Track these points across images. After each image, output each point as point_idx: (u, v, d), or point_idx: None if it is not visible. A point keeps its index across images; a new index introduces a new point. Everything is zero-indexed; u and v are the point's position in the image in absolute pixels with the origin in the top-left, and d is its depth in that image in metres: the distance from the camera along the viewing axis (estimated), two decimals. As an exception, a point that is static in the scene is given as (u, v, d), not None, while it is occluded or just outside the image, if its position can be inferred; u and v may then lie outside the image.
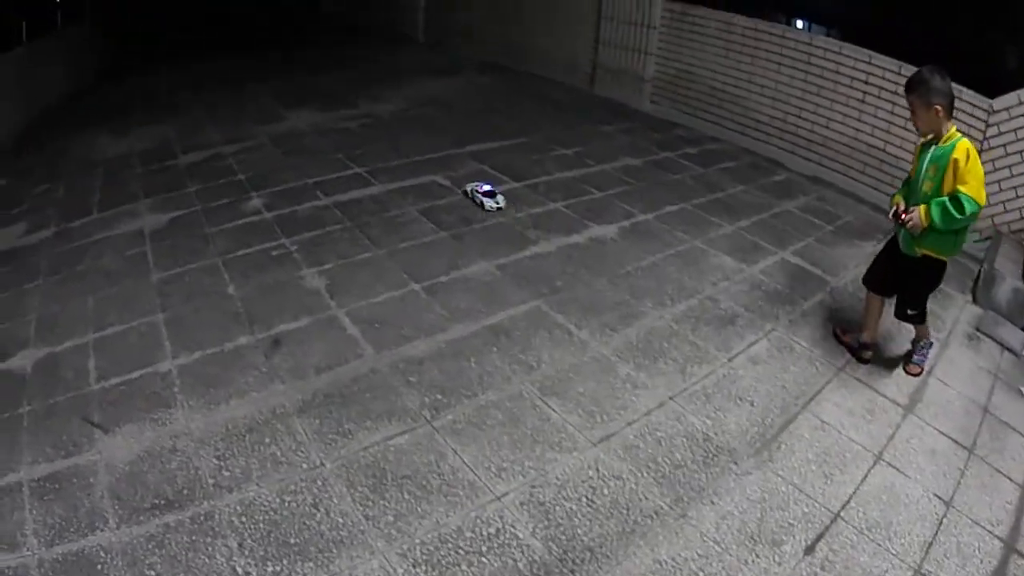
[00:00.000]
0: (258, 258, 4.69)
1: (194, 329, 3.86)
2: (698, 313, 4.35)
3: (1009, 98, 5.41)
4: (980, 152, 5.61)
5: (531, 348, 3.81)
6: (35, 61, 9.80)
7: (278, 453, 3.00)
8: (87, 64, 12.14)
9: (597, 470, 3.04)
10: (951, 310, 4.78)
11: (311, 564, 2.52)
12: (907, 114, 6.07)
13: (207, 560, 2.51)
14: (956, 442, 3.49)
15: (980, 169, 3.20)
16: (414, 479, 2.90)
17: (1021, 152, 5.46)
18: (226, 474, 2.88)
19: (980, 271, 5.08)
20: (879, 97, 6.29)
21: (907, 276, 3.70)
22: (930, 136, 3.42)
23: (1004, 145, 5.56)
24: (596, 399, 3.51)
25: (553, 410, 3.38)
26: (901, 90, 6.28)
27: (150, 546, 2.55)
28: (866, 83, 6.41)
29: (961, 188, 3.19)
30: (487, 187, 5.85)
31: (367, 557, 2.56)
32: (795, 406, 3.61)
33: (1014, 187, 5.56)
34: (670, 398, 3.59)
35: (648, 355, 3.92)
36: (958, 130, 3.35)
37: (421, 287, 4.34)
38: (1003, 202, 5.67)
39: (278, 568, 2.50)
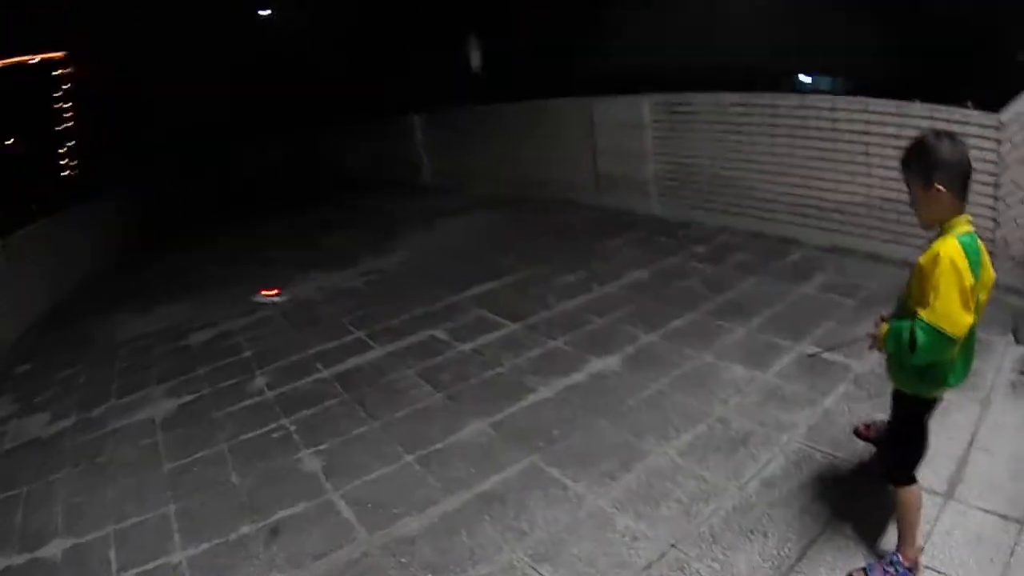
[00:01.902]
0: (260, 442, 5.02)
1: (201, 520, 4.20)
2: (706, 440, 4.31)
3: (1018, 108, 5.35)
4: (997, 175, 5.56)
5: (525, 511, 3.83)
6: (63, 237, 11.46)
7: None
8: (112, 242, 13.78)
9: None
10: (990, 359, 4.64)
11: None
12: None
13: None
14: (1004, 517, 3.32)
15: (957, 283, 2.49)
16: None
17: None
18: None
19: (1017, 308, 4.91)
20: (883, 145, 6.30)
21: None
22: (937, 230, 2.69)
23: (1022, 159, 5.49)
24: (591, 560, 3.45)
25: None
26: (903, 132, 6.36)
27: None
28: (866, 133, 6.46)
29: (920, 312, 2.57)
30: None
31: None
32: (815, 527, 3.49)
33: None
34: (672, 546, 3.51)
35: (649, 500, 3.86)
36: (969, 221, 2.66)
37: (415, 458, 4.49)
38: None
39: None
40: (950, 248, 2.53)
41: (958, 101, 5.85)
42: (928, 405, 2.95)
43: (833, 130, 6.64)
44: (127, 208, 16.18)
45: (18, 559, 4.23)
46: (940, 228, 2.66)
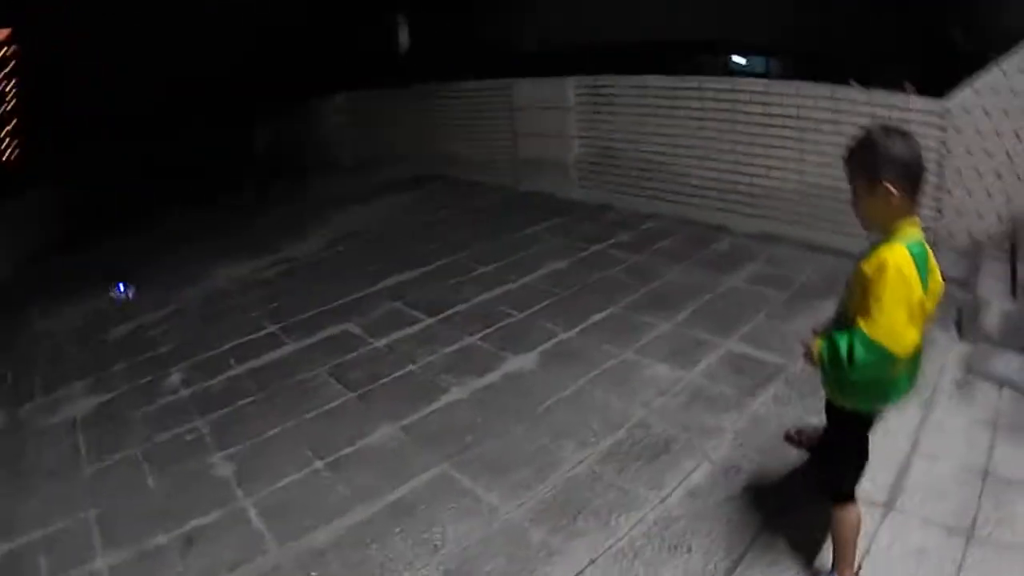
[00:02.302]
0: (174, 445, 4.88)
1: (120, 527, 4.09)
2: (626, 447, 4.10)
3: (963, 95, 5.25)
4: (940, 163, 5.54)
5: (436, 523, 3.66)
6: None
7: None
8: (36, 233, 13.68)
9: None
10: (934, 357, 4.49)
11: None
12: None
13: None
14: (950, 529, 3.19)
15: (903, 296, 2.27)
16: None
17: (985, 149, 5.33)
18: None
19: (961, 301, 4.77)
20: (817, 131, 6.19)
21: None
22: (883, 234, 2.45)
23: (966, 147, 5.47)
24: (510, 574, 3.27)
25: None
26: (839, 116, 6.21)
27: None
28: (798, 117, 6.33)
29: (860, 321, 2.34)
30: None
31: None
32: (744, 542, 3.31)
33: (985, 188, 5.43)
34: (591, 561, 3.32)
35: (567, 512, 3.66)
36: (916, 227, 2.44)
37: (324, 464, 4.33)
38: (976, 210, 5.50)
39: None
40: (897, 256, 2.31)
41: (896, 85, 5.72)
42: (868, 420, 2.75)
43: (764, 114, 6.50)
44: (58, 198, 15.89)
45: None
46: (886, 232, 2.43)
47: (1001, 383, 4.21)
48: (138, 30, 22.26)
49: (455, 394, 4.95)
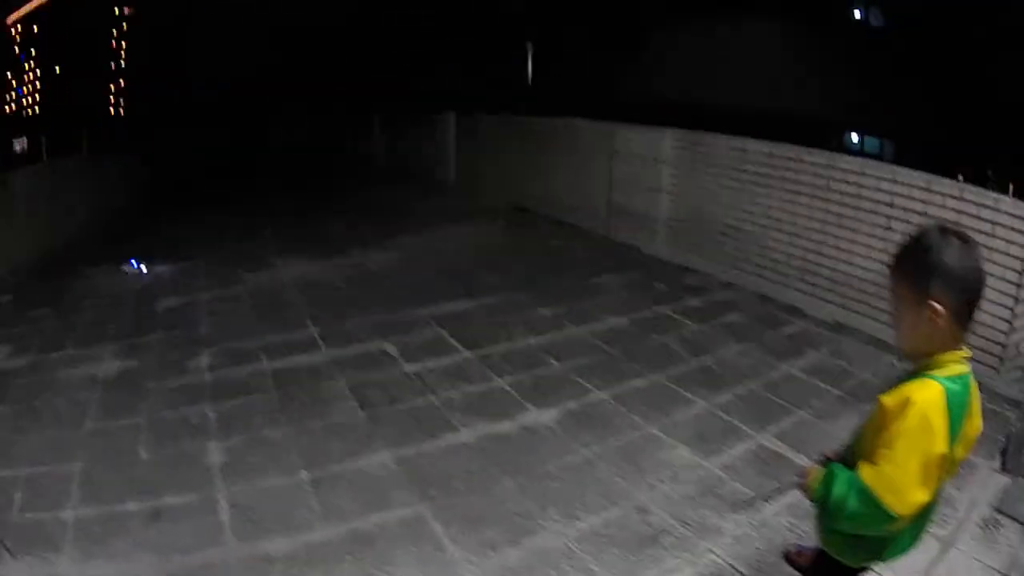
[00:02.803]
0: (177, 423, 5.02)
1: (99, 485, 4.28)
2: (613, 530, 3.80)
3: None
4: (1021, 272, 5.09)
5: (389, 563, 3.56)
6: (67, 184, 12.07)
7: None
8: (118, 194, 14.45)
9: None
10: (966, 487, 4.05)
11: None
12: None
13: None
14: None
15: (921, 449, 1.86)
16: None
17: None
18: None
19: (1012, 428, 4.28)
20: (906, 221, 5.79)
21: None
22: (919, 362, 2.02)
23: None
24: None
25: None
26: (928, 208, 5.75)
27: None
28: (891, 206, 5.93)
29: (864, 466, 1.96)
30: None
31: None
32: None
33: None
34: None
35: None
36: (964, 359, 1.99)
37: (309, 477, 4.33)
38: None
39: None
40: (928, 398, 1.89)
41: (987, 177, 5.27)
42: (853, 573, 2.35)
43: (857, 196, 6.08)
44: (139, 166, 16.57)
45: None
46: (924, 361, 2.00)
47: (1034, 531, 3.67)
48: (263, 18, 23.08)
49: (463, 436, 4.80)
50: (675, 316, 6.80)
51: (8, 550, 3.80)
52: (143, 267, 9.00)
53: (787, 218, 6.89)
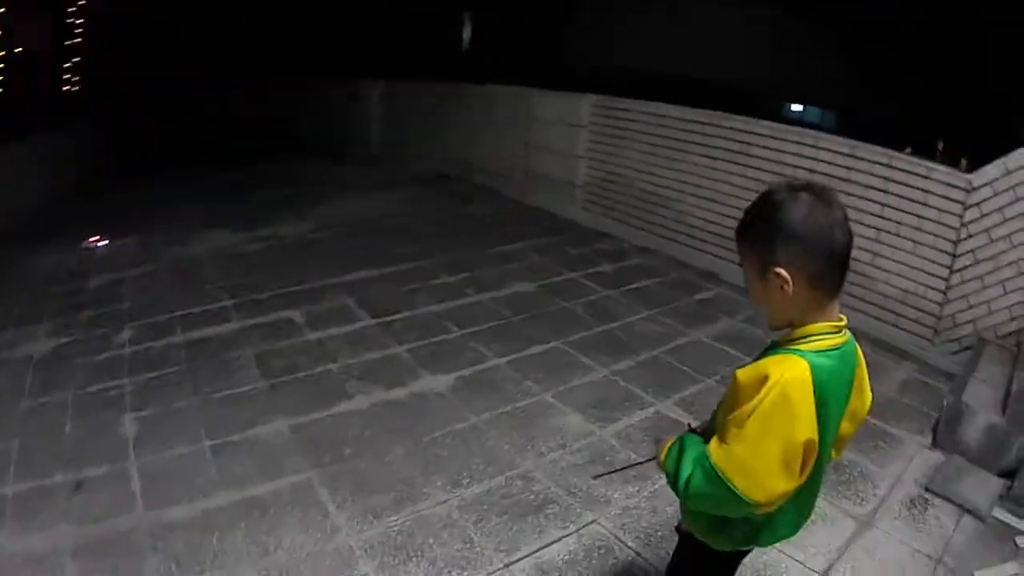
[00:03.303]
0: (99, 397, 5.11)
1: (33, 460, 4.40)
2: (496, 498, 3.78)
3: (992, 170, 4.84)
4: (955, 242, 5.12)
5: (278, 528, 3.61)
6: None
7: None
8: (61, 174, 14.03)
9: None
10: (892, 461, 4.04)
11: None
12: (864, 207, 5.45)
13: None
14: None
15: (781, 434, 1.63)
16: None
17: (1009, 236, 4.91)
18: None
19: (945, 401, 4.23)
20: (830, 187, 5.57)
21: None
22: (781, 332, 1.81)
23: (987, 230, 5.04)
24: None
25: None
26: (852, 175, 5.71)
27: None
28: (812, 172, 5.91)
29: (713, 443, 1.75)
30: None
31: None
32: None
33: (1001, 281, 5.02)
34: None
35: (402, 552, 3.41)
36: (821, 335, 1.74)
37: (210, 445, 4.39)
38: (987, 302, 5.10)
39: None
40: (790, 376, 1.63)
41: (936, 150, 5.24)
42: (719, 559, 2.10)
43: (778, 162, 6.02)
44: (84, 142, 15.93)
45: None
46: (787, 333, 1.77)
47: (963, 509, 3.69)
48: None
49: (356, 403, 4.78)
50: (585, 282, 6.76)
51: None
52: (89, 244, 8.93)
53: (705, 183, 6.87)
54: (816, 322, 1.72)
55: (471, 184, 10.65)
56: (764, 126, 6.36)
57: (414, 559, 3.37)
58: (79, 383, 5.38)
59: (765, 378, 1.63)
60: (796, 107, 10.54)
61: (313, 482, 3.99)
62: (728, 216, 6.72)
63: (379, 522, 3.64)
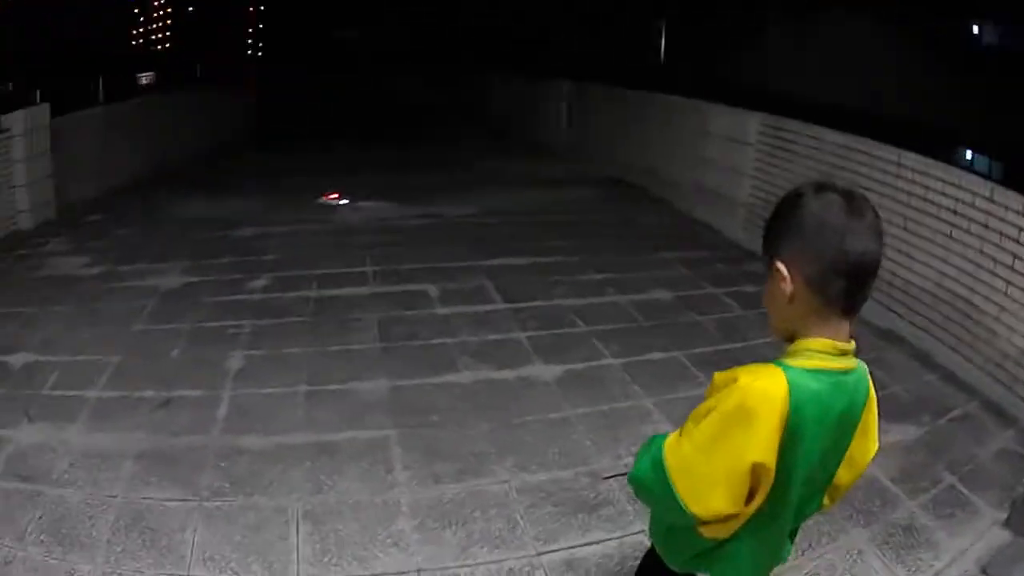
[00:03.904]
0: (215, 332, 5.51)
1: (128, 375, 4.81)
2: (557, 489, 3.74)
3: None
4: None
5: (339, 473, 3.80)
6: (165, 115, 12.90)
7: (106, 479, 3.72)
8: (227, 128, 15.25)
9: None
10: (966, 534, 3.55)
11: None
12: (998, 256, 5.06)
13: None
14: None
15: (730, 454, 1.43)
16: None
17: None
18: (66, 476, 3.73)
19: None
20: (968, 232, 5.26)
21: None
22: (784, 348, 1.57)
23: None
24: (350, 541, 3.31)
25: (297, 535, 3.35)
26: (990, 221, 5.29)
27: None
28: (955, 212, 5.41)
29: (670, 437, 1.56)
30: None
31: None
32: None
33: None
34: (418, 572, 3.16)
35: (446, 519, 3.48)
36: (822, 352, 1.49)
37: (306, 390, 4.64)
38: None
39: None
40: (760, 387, 1.42)
41: None
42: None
43: (923, 198, 5.61)
44: (256, 102, 17.25)
45: None
46: (787, 346, 1.54)
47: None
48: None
49: (461, 376, 4.90)
50: (724, 299, 6.53)
51: (28, 417, 4.30)
52: (327, 200, 9.58)
53: None
54: (816, 337, 1.48)
55: (642, 191, 10.53)
56: (909, 158, 5.94)
57: (452, 527, 3.42)
58: (199, 318, 5.76)
59: (735, 385, 1.43)
60: (949, 143, 9.69)
61: (390, 440, 4.13)
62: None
63: (436, 487, 3.72)
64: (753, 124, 7.94)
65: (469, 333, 5.56)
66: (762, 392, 1.41)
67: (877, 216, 1.46)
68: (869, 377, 1.58)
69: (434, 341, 5.41)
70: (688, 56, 12.29)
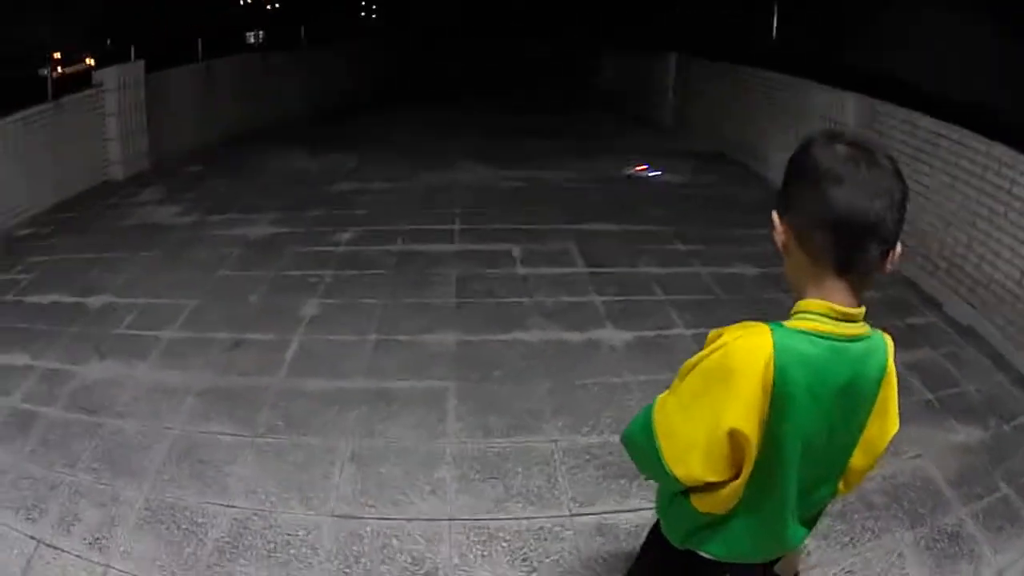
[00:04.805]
0: (295, 281, 5.62)
1: (203, 317, 4.99)
2: (604, 453, 3.60)
3: None
4: None
5: (392, 419, 3.82)
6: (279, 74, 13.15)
7: (166, 412, 3.90)
8: (335, 86, 15.29)
9: None
10: (1010, 551, 3.17)
11: None
12: None
13: None
14: None
15: (707, 415, 1.35)
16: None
17: None
18: (127, 408, 3.94)
19: None
20: None
21: None
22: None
23: None
24: (390, 485, 3.36)
25: (340, 474, 3.41)
26: None
27: None
28: None
29: (660, 395, 1.51)
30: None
31: None
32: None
33: None
34: (449, 519, 3.17)
35: (486, 471, 3.46)
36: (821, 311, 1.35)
37: (375, 340, 4.68)
38: None
39: None
40: (743, 341, 1.33)
41: None
42: (677, 559, 1.68)
43: (1009, 192, 5.16)
44: (364, 62, 17.00)
45: (67, 299, 5.37)
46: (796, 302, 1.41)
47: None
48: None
49: (530, 335, 4.83)
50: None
51: (99, 353, 4.46)
52: (636, 172, 9.25)
53: (944, 203, 6.02)
54: (813, 299, 1.35)
55: (742, 167, 10.03)
56: (999, 149, 5.48)
57: (492, 480, 3.38)
58: (281, 266, 5.87)
59: (719, 342, 1.35)
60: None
61: (449, 391, 4.12)
62: (959, 242, 5.72)
63: (484, 440, 3.69)
64: (849, 105, 7.52)
65: (545, 294, 5.46)
66: (745, 350, 1.30)
67: (892, 174, 1.28)
68: (889, 350, 1.42)
69: (509, 300, 5.35)
70: (799, 34, 11.78)
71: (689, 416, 1.38)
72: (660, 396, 1.48)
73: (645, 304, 5.38)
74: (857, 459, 1.50)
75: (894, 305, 5.54)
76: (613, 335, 4.87)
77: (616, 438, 3.46)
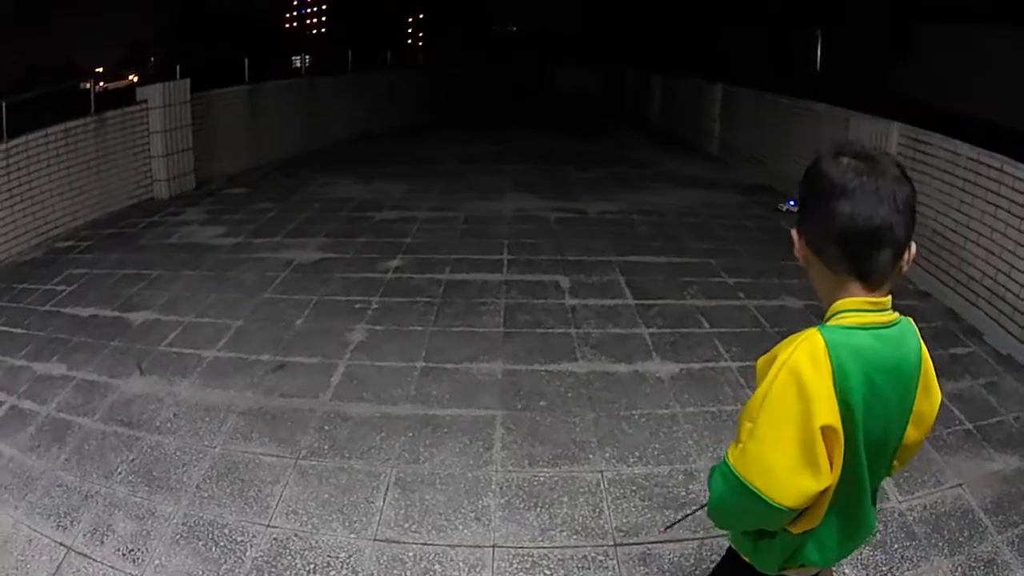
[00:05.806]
0: (342, 305, 5.62)
1: (246, 338, 5.01)
2: (650, 483, 3.52)
3: None
4: None
5: (438, 446, 3.77)
6: (323, 97, 13.31)
7: (207, 430, 3.92)
8: (383, 114, 15.51)
9: None
10: None
11: None
12: None
13: None
14: None
15: (793, 420, 1.34)
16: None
17: None
18: (168, 425, 3.97)
19: None
20: None
21: None
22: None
23: None
24: (434, 511, 3.31)
25: (384, 499, 3.39)
26: None
27: None
28: None
29: (731, 449, 1.47)
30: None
31: None
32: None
33: None
34: (492, 547, 3.09)
35: (531, 500, 3.39)
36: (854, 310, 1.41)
37: (422, 367, 4.63)
38: None
39: None
40: (799, 353, 1.35)
41: None
42: None
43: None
44: (413, 89, 17.23)
45: (107, 312, 5.49)
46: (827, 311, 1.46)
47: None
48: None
49: (577, 366, 4.72)
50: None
51: (140, 369, 4.52)
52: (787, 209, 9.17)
53: (986, 232, 5.84)
54: (845, 299, 1.41)
55: (786, 198, 9.98)
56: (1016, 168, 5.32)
57: (536, 510, 3.30)
58: (328, 291, 5.85)
59: (775, 361, 1.39)
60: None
61: (495, 420, 4.04)
62: (1001, 271, 5.55)
63: (530, 469, 3.60)
64: (893, 134, 7.37)
65: (592, 326, 5.36)
66: (805, 357, 1.34)
67: (897, 178, 1.36)
68: (916, 329, 1.48)
69: (557, 330, 5.26)
70: (842, 65, 11.69)
71: (779, 444, 1.35)
72: (729, 452, 1.46)
73: (691, 336, 5.26)
74: (911, 435, 1.52)
75: (937, 335, 5.36)
76: (660, 367, 4.76)
77: (662, 469, 3.38)
